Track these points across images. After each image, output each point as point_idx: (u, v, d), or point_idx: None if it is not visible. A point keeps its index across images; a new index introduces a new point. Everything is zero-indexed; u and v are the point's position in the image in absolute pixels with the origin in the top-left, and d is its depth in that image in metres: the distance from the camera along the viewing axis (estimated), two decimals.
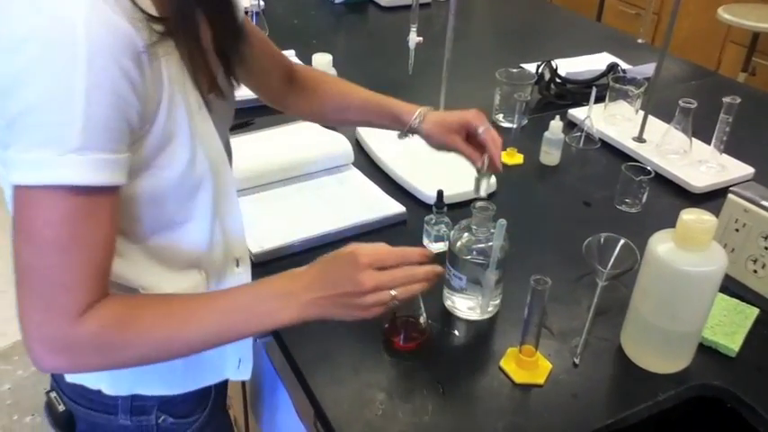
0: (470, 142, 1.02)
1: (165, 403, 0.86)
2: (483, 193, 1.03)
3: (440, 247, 1.09)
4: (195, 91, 0.72)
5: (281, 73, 1.01)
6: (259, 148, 1.31)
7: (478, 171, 1.02)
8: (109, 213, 0.65)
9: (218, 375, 0.90)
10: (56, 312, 0.65)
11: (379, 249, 0.74)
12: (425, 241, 1.11)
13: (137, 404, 0.85)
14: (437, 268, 0.76)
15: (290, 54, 1.76)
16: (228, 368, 0.90)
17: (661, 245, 0.85)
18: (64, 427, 0.88)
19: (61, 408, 0.87)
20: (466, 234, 0.94)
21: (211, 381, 0.89)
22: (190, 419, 0.90)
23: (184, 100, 0.70)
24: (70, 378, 0.84)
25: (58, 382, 0.87)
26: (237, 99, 1.63)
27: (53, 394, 0.88)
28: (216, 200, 0.78)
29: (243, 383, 1.46)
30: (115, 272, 0.70)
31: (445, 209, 1.08)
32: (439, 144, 1.03)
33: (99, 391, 0.83)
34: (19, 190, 0.61)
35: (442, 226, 1.08)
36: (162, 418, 0.86)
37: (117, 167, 0.63)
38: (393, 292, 0.73)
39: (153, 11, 0.64)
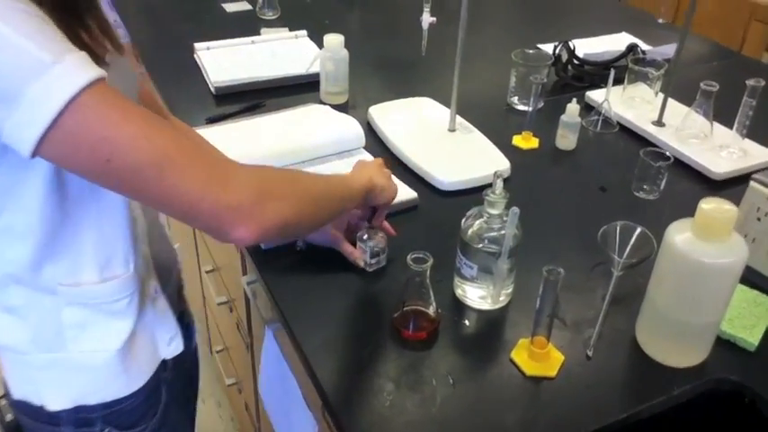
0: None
1: (111, 414, 0.83)
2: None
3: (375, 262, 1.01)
4: None
5: None
6: (269, 131, 1.29)
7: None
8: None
9: (156, 360, 0.88)
10: (219, 165, 0.67)
11: None
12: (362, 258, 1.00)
13: (81, 416, 0.82)
14: None
15: (302, 34, 1.73)
16: (162, 349, 0.88)
17: (679, 235, 0.82)
18: None
19: (9, 417, 0.86)
20: (477, 222, 0.92)
21: (152, 369, 0.87)
22: (136, 430, 0.86)
23: None
24: (16, 395, 0.82)
25: (6, 392, 0.85)
26: (248, 80, 1.60)
27: (3, 402, 0.87)
28: None
29: (254, 373, 1.46)
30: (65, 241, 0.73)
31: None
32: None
33: (42, 407, 0.81)
34: (56, 132, 0.58)
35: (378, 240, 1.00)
36: (107, 430, 0.84)
37: (89, 60, 0.61)
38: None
39: None
